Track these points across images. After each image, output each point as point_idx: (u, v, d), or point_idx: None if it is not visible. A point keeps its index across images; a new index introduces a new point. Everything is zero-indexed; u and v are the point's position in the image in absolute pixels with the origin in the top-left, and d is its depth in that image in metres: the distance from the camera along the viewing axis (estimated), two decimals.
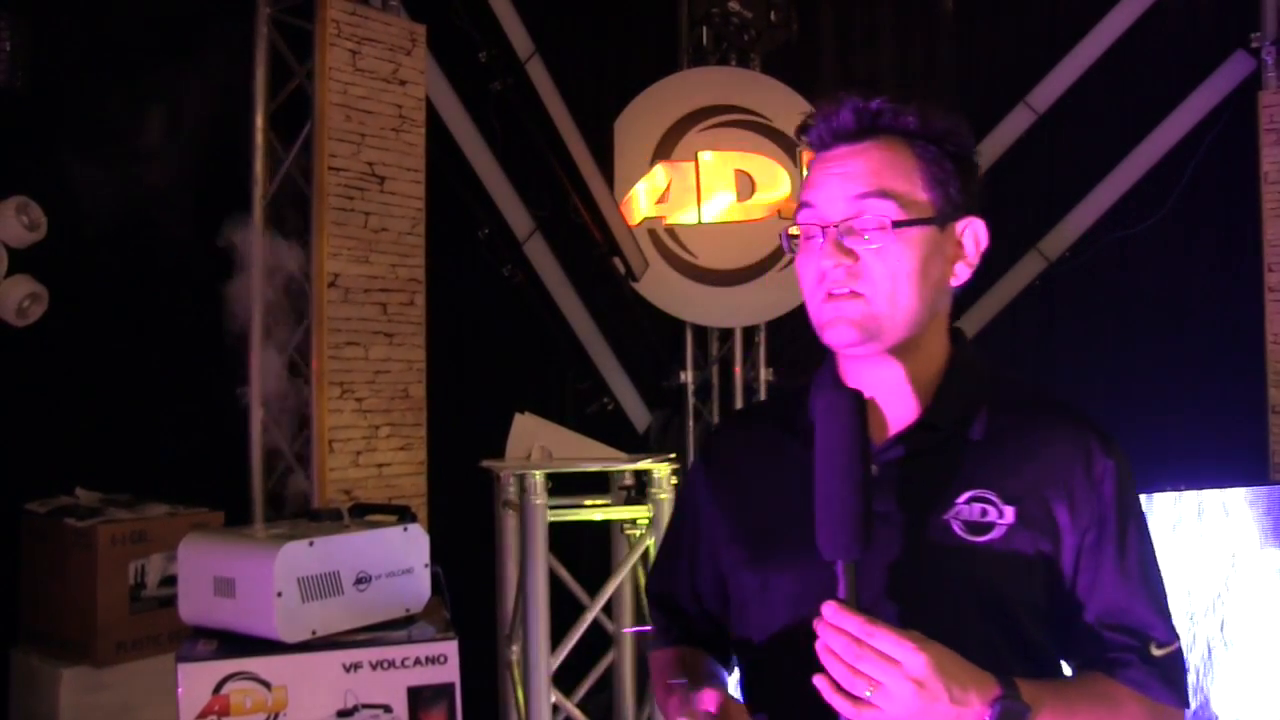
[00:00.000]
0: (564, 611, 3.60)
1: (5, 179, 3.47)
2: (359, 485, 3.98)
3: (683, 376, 5.96)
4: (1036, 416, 1.39)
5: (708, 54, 6.05)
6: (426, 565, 2.73)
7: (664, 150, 5.71)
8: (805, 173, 1.46)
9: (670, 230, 5.74)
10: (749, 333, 6.17)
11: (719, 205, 5.73)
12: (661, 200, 5.71)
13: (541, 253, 5.02)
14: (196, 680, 2.36)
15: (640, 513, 3.74)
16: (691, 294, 5.78)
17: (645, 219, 5.67)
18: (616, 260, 5.42)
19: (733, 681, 1.57)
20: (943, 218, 1.36)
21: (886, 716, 1.16)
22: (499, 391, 4.69)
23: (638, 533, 3.77)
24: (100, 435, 3.66)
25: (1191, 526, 3.57)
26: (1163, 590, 1.37)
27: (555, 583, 3.65)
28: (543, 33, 4.99)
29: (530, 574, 3.46)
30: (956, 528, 1.32)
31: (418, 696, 2.51)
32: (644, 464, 3.73)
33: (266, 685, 2.40)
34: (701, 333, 6.10)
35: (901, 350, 1.37)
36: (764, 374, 6.17)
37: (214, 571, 2.48)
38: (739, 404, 6.13)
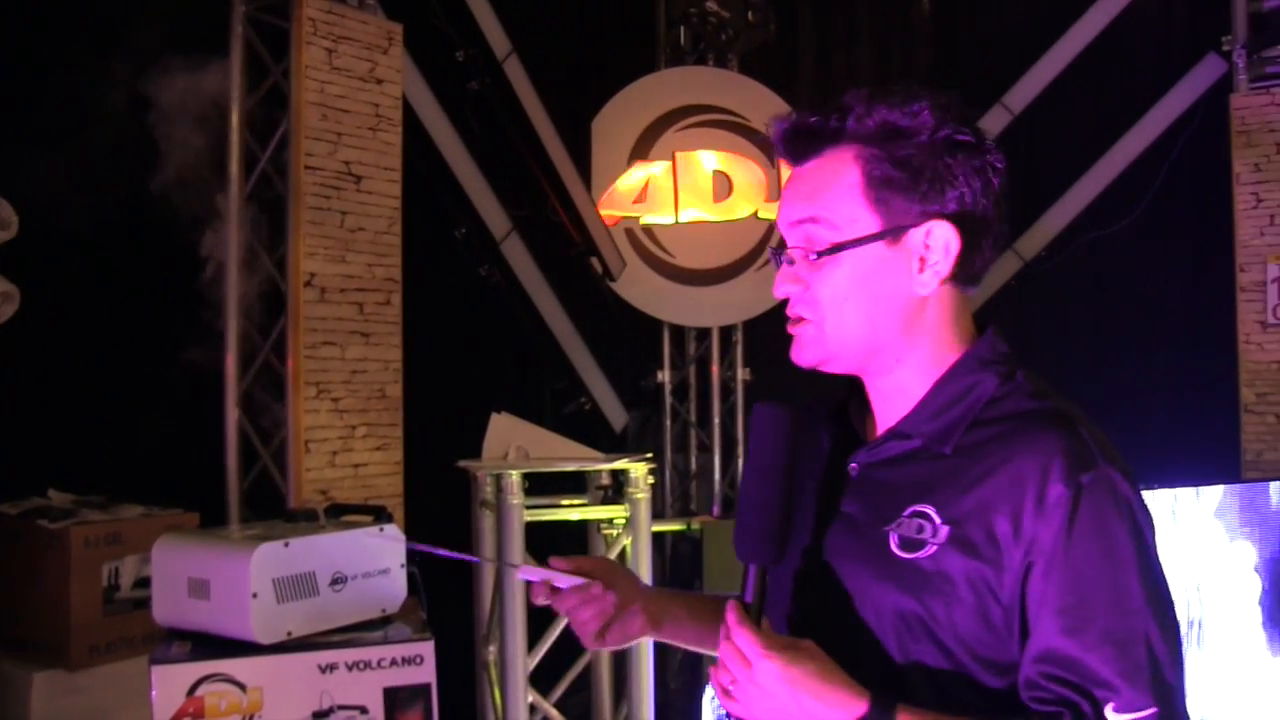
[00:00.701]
0: (541, 612, 3.60)
1: None
2: (335, 486, 3.97)
3: (660, 376, 5.97)
4: (1014, 432, 1.27)
5: (685, 54, 6.06)
6: (403, 566, 2.72)
7: (641, 150, 5.72)
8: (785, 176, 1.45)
9: (647, 230, 5.75)
10: (726, 332, 6.18)
11: (696, 205, 5.74)
12: (639, 200, 5.72)
13: (518, 252, 5.01)
14: (170, 682, 2.34)
15: (617, 512, 3.74)
16: (668, 293, 5.79)
17: (622, 218, 5.67)
18: (594, 260, 5.43)
19: None
20: (891, 231, 1.29)
21: (745, 711, 1.21)
22: (476, 391, 4.68)
23: (615, 532, 3.77)
24: (73, 436, 3.63)
25: (1164, 525, 3.59)
26: (1145, 647, 1.17)
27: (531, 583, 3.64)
28: (520, 32, 4.98)
29: (507, 574, 3.46)
30: (893, 541, 1.27)
31: (394, 697, 2.50)
32: (621, 464, 3.73)
33: (241, 687, 2.38)
34: (679, 332, 6.11)
35: (870, 365, 1.35)
36: (741, 373, 6.19)
37: (189, 573, 2.47)
38: (716, 403, 6.14)
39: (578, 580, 1.49)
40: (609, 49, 5.83)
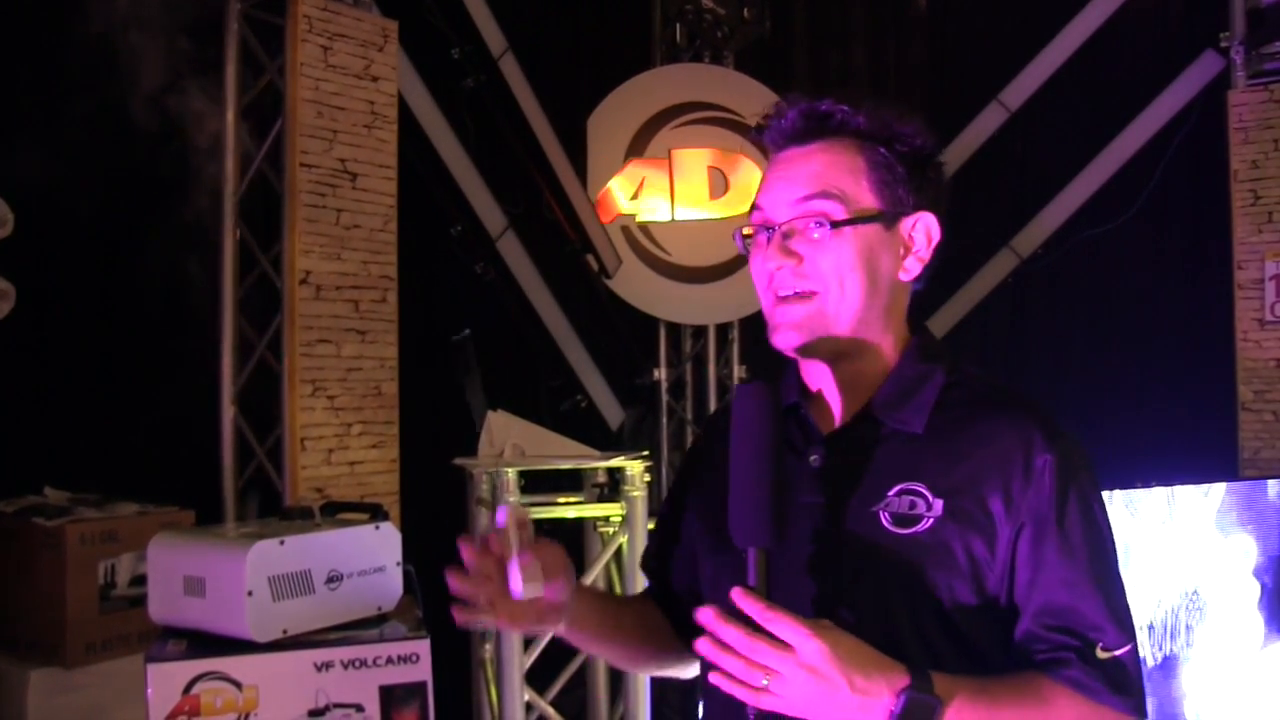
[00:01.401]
0: None
1: None
2: (331, 483, 3.96)
3: (656, 374, 5.96)
4: (983, 411, 1.37)
5: (681, 51, 6.05)
6: (399, 564, 2.72)
7: (637, 147, 5.71)
8: None
9: (644, 227, 5.74)
10: (722, 330, 6.18)
11: (692, 203, 5.73)
12: (634, 197, 5.71)
13: (514, 250, 5.00)
14: (166, 680, 2.33)
15: (613, 510, 3.74)
16: (665, 291, 5.78)
17: (618, 216, 5.67)
18: (590, 257, 5.42)
19: None
20: (889, 216, 1.39)
21: (786, 704, 1.17)
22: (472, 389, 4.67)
23: (611, 530, 3.77)
24: (69, 434, 3.62)
25: (1161, 522, 3.59)
26: (1118, 591, 1.33)
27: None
28: (516, 29, 4.98)
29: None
30: (885, 520, 1.33)
31: (390, 695, 2.49)
32: (617, 461, 3.73)
33: (237, 685, 2.38)
34: (675, 330, 6.10)
35: (852, 346, 1.40)
36: (737, 371, 6.18)
37: (184, 571, 2.46)
38: (713, 402, 6.13)
39: (534, 587, 1.42)
40: (605, 46, 5.82)
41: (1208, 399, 5.31)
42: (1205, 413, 5.30)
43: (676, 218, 5.72)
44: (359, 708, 2.46)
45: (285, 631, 2.44)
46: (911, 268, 1.41)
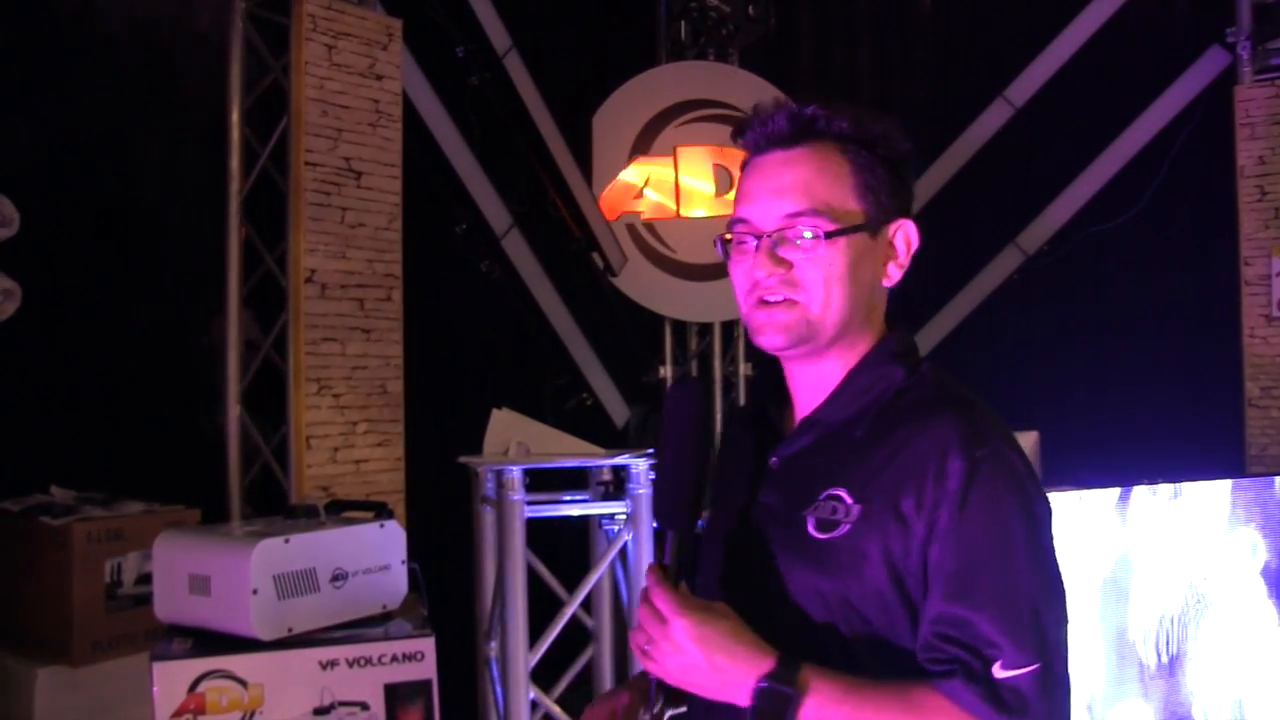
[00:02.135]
0: (542, 608, 3.60)
1: None
2: (336, 482, 3.97)
3: (661, 371, 5.95)
4: (918, 416, 1.36)
5: (686, 48, 6.05)
6: (404, 562, 2.72)
7: (642, 145, 5.70)
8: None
9: (649, 225, 5.74)
10: (728, 327, 6.18)
11: (697, 200, 5.73)
12: (640, 195, 5.71)
13: (519, 248, 5.00)
14: (172, 679, 2.34)
15: (619, 508, 3.74)
16: (670, 289, 5.78)
17: (624, 214, 5.66)
18: (595, 255, 5.42)
19: None
20: (873, 224, 1.40)
21: (661, 671, 1.30)
22: (477, 387, 4.67)
23: (616, 528, 3.77)
24: (75, 433, 3.63)
25: (1167, 520, 3.58)
26: (1028, 608, 1.26)
27: (533, 579, 3.64)
28: (520, 27, 4.97)
29: (508, 570, 3.45)
30: (810, 524, 1.36)
31: (395, 694, 2.50)
32: (622, 459, 3.72)
33: (242, 683, 2.39)
34: (680, 328, 6.10)
35: (834, 349, 1.43)
36: (743, 368, 6.18)
37: (189, 569, 2.47)
38: (718, 399, 6.13)
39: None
40: (609, 44, 5.82)
41: (1214, 395, 5.30)
42: (1212, 409, 5.28)
43: (681, 215, 5.72)
44: (364, 706, 2.47)
45: (290, 630, 2.45)
46: (894, 274, 1.44)
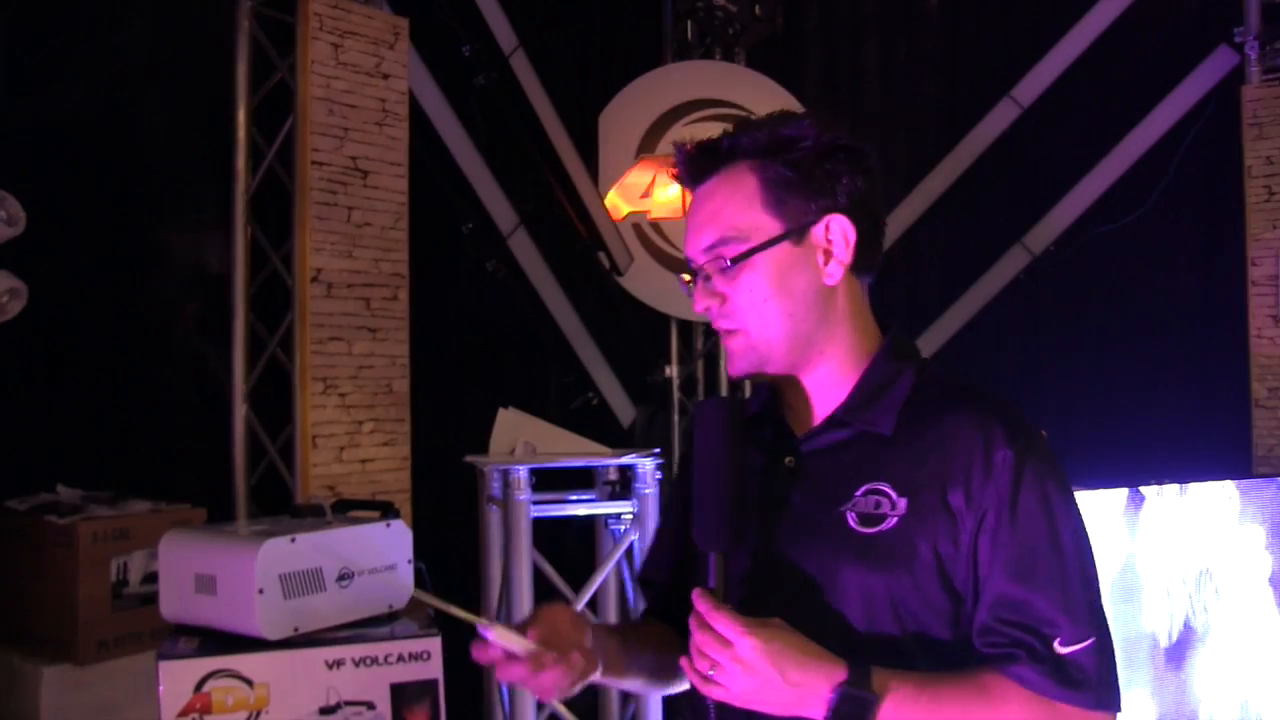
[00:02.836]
0: None
1: None
2: (342, 481, 3.97)
3: (668, 371, 5.95)
4: (947, 409, 1.39)
5: (692, 48, 6.04)
6: (410, 561, 2.72)
7: (649, 144, 5.70)
8: None
9: (655, 224, 5.74)
10: None
11: None
12: (646, 195, 5.70)
13: (526, 247, 5.00)
14: (177, 678, 2.34)
15: (625, 508, 3.74)
16: (676, 288, 5.73)
17: (630, 213, 5.66)
18: (601, 255, 5.41)
19: None
20: (795, 231, 1.40)
21: (729, 695, 1.27)
22: (483, 386, 4.67)
23: (622, 528, 3.77)
24: (81, 432, 3.63)
25: (1174, 520, 3.57)
26: (1078, 586, 1.33)
27: (539, 578, 3.64)
28: (527, 27, 4.97)
29: (514, 570, 3.45)
30: (851, 520, 1.36)
31: (401, 693, 2.49)
32: (628, 459, 3.72)
33: (248, 683, 2.38)
34: (686, 327, 6.09)
35: (798, 362, 1.44)
36: None
37: (195, 568, 2.47)
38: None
39: (531, 646, 1.37)
40: (615, 44, 5.81)
41: (1221, 396, 5.29)
42: (1218, 410, 5.28)
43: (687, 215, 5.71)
44: (370, 705, 2.46)
45: (296, 629, 2.44)
46: (834, 272, 1.42)
